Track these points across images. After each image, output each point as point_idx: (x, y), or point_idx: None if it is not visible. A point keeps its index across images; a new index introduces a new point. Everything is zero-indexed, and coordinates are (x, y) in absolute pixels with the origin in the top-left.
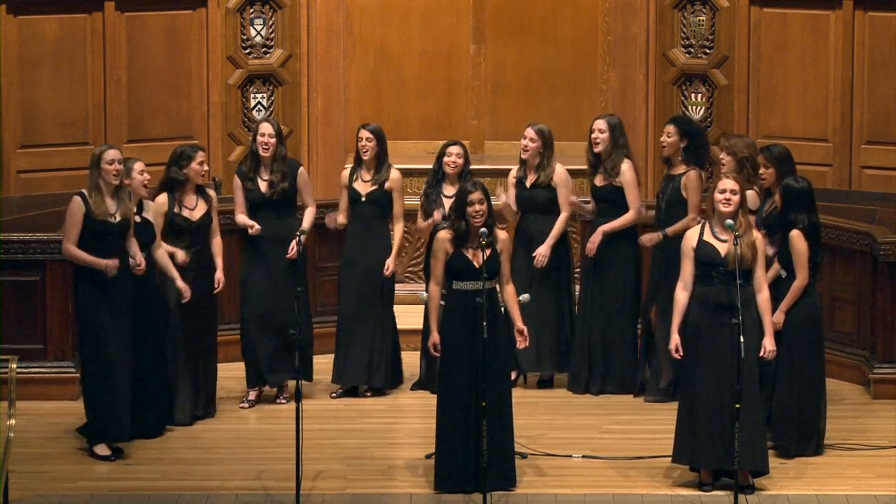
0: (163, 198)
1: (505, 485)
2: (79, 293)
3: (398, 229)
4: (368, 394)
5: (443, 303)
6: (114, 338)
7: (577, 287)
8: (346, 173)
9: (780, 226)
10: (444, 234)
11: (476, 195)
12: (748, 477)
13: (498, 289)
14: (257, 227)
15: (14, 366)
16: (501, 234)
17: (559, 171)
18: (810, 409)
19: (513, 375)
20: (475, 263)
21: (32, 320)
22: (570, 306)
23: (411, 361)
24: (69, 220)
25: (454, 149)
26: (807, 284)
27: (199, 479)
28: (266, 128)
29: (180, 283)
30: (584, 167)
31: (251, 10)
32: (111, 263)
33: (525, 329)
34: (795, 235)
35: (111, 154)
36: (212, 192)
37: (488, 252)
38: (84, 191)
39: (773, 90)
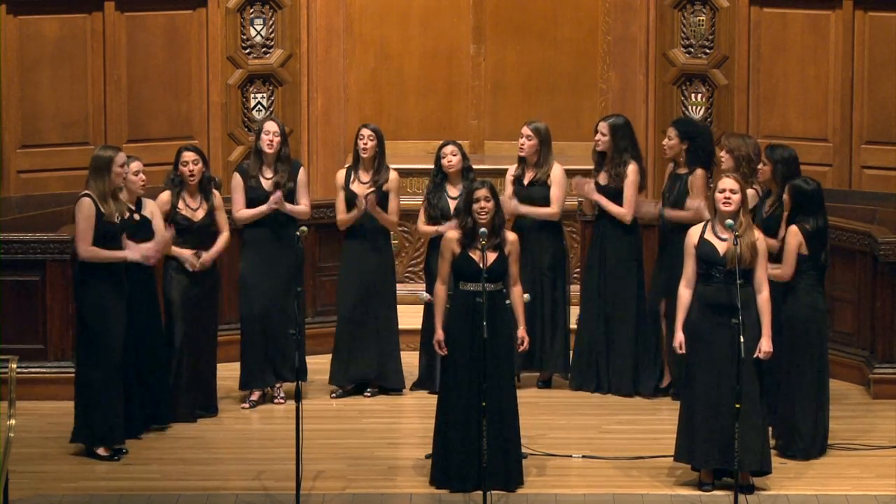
0: (166, 195)
1: (510, 485)
2: (86, 295)
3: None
4: (367, 394)
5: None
6: (117, 340)
7: (571, 286)
8: (341, 174)
9: (787, 226)
10: (451, 235)
11: (482, 192)
12: (748, 477)
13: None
14: (273, 200)
15: (14, 366)
16: (510, 236)
17: (556, 170)
18: (814, 409)
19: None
20: (481, 264)
21: (32, 320)
22: (566, 305)
23: (411, 361)
24: (84, 222)
25: (448, 148)
26: (791, 280)
27: (199, 479)
28: (271, 126)
29: (187, 254)
30: (581, 167)
31: (251, 10)
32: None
33: (526, 336)
34: (792, 231)
35: (122, 157)
36: (216, 194)
37: (494, 254)
38: (90, 192)
39: (773, 90)
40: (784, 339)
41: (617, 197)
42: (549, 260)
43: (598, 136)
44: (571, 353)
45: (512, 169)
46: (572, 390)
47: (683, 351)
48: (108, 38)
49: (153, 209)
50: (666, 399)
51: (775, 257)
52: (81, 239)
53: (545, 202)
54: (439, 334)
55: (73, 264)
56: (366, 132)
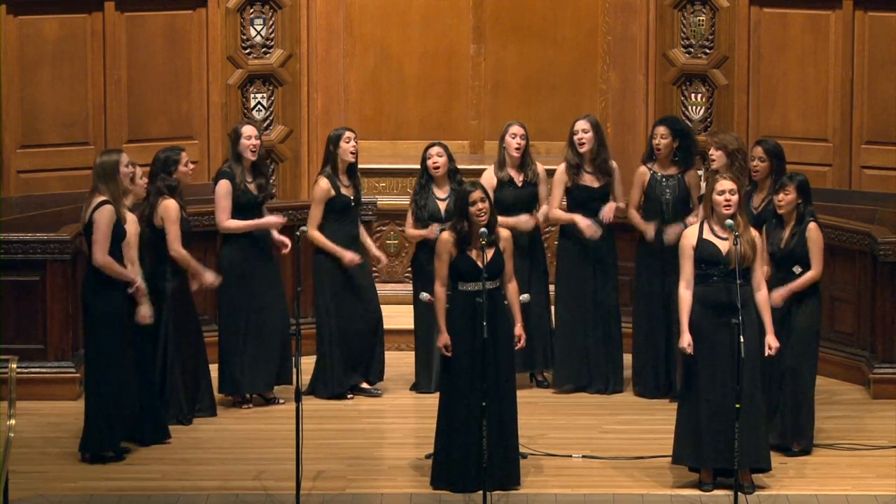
0: (174, 204)
1: (509, 484)
2: (98, 298)
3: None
4: (378, 391)
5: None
6: (127, 348)
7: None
8: (326, 184)
9: (798, 220)
10: (446, 237)
11: (477, 194)
12: (748, 477)
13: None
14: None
15: (14, 366)
16: (504, 233)
17: (540, 167)
18: (804, 405)
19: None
20: (480, 264)
21: (32, 320)
22: (548, 303)
23: (408, 362)
24: (104, 229)
25: (434, 150)
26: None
27: (199, 479)
28: (252, 130)
29: (210, 274)
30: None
31: (251, 10)
32: (140, 285)
33: (522, 333)
34: (813, 228)
35: (125, 157)
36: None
37: (490, 251)
38: (108, 199)
39: (773, 90)
40: (785, 333)
41: (608, 193)
42: (531, 260)
43: (581, 136)
44: (555, 352)
45: (491, 172)
46: (556, 389)
47: (692, 352)
48: (108, 38)
49: (171, 218)
50: (664, 399)
51: (801, 260)
52: (100, 248)
53: (535, 201)
54: (445, 337)
55: (88, 266)
56: (351, 135)
